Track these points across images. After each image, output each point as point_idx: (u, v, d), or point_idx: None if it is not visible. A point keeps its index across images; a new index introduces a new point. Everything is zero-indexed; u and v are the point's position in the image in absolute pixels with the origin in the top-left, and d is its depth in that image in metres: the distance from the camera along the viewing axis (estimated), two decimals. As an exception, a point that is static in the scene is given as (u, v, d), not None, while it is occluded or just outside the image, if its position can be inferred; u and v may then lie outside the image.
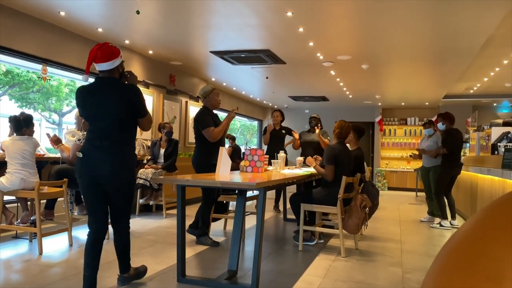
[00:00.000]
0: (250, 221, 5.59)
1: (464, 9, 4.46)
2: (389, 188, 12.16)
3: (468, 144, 8.77)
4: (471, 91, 9.98)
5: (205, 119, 4.37)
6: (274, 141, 6.49)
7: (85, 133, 4.44)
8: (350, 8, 4.62)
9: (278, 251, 4.27)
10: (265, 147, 6.41)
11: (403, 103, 11.95)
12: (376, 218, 6.29)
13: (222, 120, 4.54)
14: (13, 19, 4.81)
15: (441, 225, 5.84)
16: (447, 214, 6.00)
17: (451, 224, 5.88)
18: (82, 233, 4.85)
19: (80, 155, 2.68)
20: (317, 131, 6.06)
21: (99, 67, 2.70)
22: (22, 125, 4.10)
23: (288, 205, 5.39)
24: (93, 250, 2.69)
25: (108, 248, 3.55)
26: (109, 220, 2.84)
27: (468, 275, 0.34)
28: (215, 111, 4.64)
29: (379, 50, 6.22)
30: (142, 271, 3.10)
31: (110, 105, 2.65)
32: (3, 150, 4.14)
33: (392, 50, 6.21)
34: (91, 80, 2.80)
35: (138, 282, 3.06)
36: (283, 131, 6.65)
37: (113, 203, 2.78)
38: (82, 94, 2.71)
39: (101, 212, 2.74)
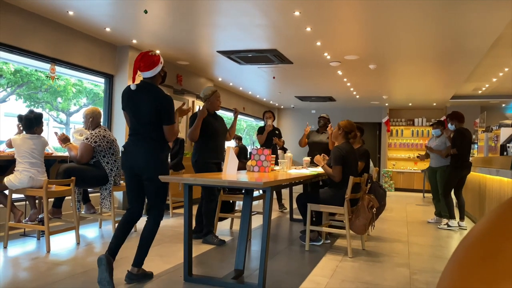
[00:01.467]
0: (257, 221, 5.59)
1: (473, 9, 4.43)
2: (396, 189, 12.10)
3: (476, 145, 8.71)
4: (480, 91, 9.90)
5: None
6: (270, 141, 6.53)
7: (92, 132, 4.48)
8: (358, 8, 4.60)
9: (285, 251, 4.26)
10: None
11: (410, 104, 11.89)
12: (383, 219, 6.26)
13: (228, 121, 4.59)
14: (22, 19, 4.85)
15: (448, 226, 5.79)
16: (455, 214, 5.97)
17: (459, 225, 5.83)
18: (89, 231, 4.87)
19: (123, 149, 3.11)
20: (329, 131, 5.93)
21: (143, 75, 3.08)
22: (34, 124, 4.13)
23: (295, 205, 5.38)
24: (123, 225, 3.04)
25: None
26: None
27: (486, 270, 0.33)
28: (217, 112, 4.69)
29: (387, 50, 6.20)
30: (149, 275, 3.14)
31: (143, 108, 3.01)
32: (10, 147, 4.17)
33: (399, 50, 6.17)
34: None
35: (146, 282, 3.07)
36: (276, 132, 6.82)
37: (149, 191, 3.09)
38: (125, 95, 3.11)
39: (136, 199, 3.11)
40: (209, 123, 4.42)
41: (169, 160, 6.23)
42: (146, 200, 3.15)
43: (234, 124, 4.71)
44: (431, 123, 6.96)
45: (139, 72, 3.05)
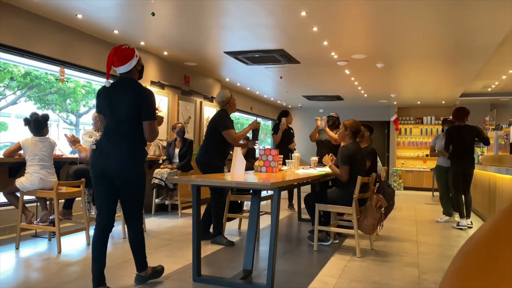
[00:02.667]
0: (265, 221, 5.60)
1: (481, 6, 4.39)
2: (405, 188, 12.03)
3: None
4: (489, 89, 9.81)
5: (227, 121, 4.51)
6: (286, 141, 6.52)
7: (101, 133, 4.52)
8: (365, 7, 4.59)
9: (293, 251, 4.27)
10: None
11: (419, 102, 11.81)
12: (392, 218, 6.23)
13: (236, 121, 4.60)
14: (31, 22, 4.91)
15: (458, 225, 5.76)
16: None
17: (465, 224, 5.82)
18: (99, 232, 4.91)
19: (94, 147, 2.83)
20: (318, 123, 5.91)
21: (118, 70, 2.85)
22: (43, 125, 4.18)
23: (303, 205, 5.38)
24: (98, 243, 2.77)
25: (125, 247, 3.59)
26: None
27: (487, 276, 0.34)
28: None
29: (394, 48, 6.17)
30: (159, 270, 3.14)
31: (121, 103, 2.77)
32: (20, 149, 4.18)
33: (407, 48, 6.14)
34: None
35: (155, 281, 3.09)
36: (291, 131, 6.83)
37: (123, 198, 2.85)
38: (101, 94, 2.86)
39: (107, 205, 2.82)
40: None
41: (177, 160, 6.28)
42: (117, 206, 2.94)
43: (247, 130, 4.68)
44: (445, 119, 6.90)
45: (113, 68, 2.84)
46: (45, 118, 4.24)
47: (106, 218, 2.81)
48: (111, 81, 2.84)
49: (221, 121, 4.48)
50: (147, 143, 2.97)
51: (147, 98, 2.81)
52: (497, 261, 0.33)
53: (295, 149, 6.69)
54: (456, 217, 6.22)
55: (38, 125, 4.15)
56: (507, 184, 5.16)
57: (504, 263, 0.33)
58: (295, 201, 6.84)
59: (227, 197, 4.66)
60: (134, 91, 2.80)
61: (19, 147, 4.11)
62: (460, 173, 5.85)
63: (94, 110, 4.77)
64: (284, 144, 6.50)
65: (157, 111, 3.08)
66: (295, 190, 6.67)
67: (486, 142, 6.02)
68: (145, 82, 6.64)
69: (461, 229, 5.67)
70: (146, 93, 2.84)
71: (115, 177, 2.76)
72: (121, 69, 2.83)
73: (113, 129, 2.79)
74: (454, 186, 5.88)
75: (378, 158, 6.16)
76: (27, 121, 4.19)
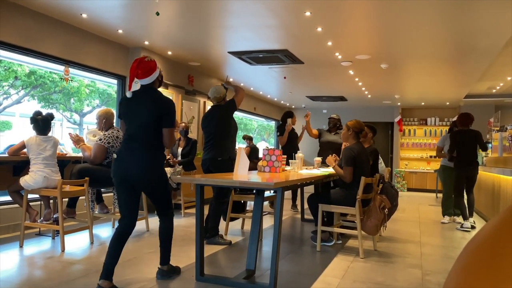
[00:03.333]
0: (268, 221, 5.60)
1: (486, 7, 4.37)
2: (409, 189, 12.00)
3: (490, 145, 8.58)
4: (494, 90, 9.76)
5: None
6: (291, 141, 6.54)
7: (105, 133, 4.53)
8: (369, 7, 4.58)
9: (296, 251, 4.26)
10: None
11: (423, 103, 11.77)
12: (396, 219, 6.22)
13: (239, 121, 4.62)
14: (36, 21, 4.93)
15: (462, 227, 5.74)
16: (458, 212, 6.17)
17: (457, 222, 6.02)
18: (103, 231, 4.93)
19: (115, 156, 2.97)
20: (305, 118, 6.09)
21: (141, 82, 2.97)
22: (50, 124, 4.21)
23: (306, 206, 5.37)
24: (116, 242, 2.89)
25: (129, 246, 3.61)
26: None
27: (491, 275, 0.34)
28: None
29: (399, 49, 6.15)
30: (177, 270, 3.28)
31: (143, 110, 2.91)
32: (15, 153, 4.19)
33: (411, 49, 6.13)
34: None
35: (159, 281, 3.10)
36: (294, 131, 6.91)
37: (151, 198, 3.09)
38: (123, 102, 3.04)
39: (129, 209, 2.95)
40: (233, 121, 4.53)
41: (180, 158, 6.29)
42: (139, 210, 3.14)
43: (234, 87, 4.85)
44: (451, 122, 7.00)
45: (135, 79, 2.97)
46: (52, 117, 4.26)
47: (129, 222, 2.94)
48: (132, 92, 2.97)
49: (232, 110, 4.53)
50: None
51: (169, 107, 2.97)
52: (502, 259, 0.33)
53: (298, 149, 6.70)
54: (458, 219, 6.21)
55: (45, 123, 4.18)
56: (511, 185, 5.14)
57: (508, 261, 0.33)
58: (298, 202, 6.83)
59: (229, 197, 4.66)
60: (157, 100, 2.95)
61: (23, 146, 4.13)
62: (463, 177, 5.87)
63: (98, 109, 4.79)
64: (288, 145, 6.52)
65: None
66: (298, 191, 6.67)
67: (484, 148, 6.07)
68: (132, 88, 6.65)
69: (465, 231, 5.66)
70: (168, 102, 2.99)
71: (136, 183, 2.90)
72: (145, 81, 2.96)
73: (132, 136, 2.92)
74: (456, 189, 5.92)
75: (381, 159, 6.16)
76: (34, 120, 4.19)
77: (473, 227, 5.74)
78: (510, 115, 10.73)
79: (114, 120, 4.82)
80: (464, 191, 5.96)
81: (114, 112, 4.88)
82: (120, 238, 2.90)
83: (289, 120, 6.60)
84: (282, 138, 6.58)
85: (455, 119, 6.76)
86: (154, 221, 5.51)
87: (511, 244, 0.34)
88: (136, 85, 2.96)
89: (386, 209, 4.13)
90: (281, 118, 6.97)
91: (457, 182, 5.91)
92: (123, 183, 2.89)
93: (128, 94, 2.96)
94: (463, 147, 5.85)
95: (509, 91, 9.74)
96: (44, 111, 4.32)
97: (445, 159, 6.30)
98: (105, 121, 4.66)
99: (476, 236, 0.39)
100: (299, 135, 7.07)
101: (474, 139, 5.84)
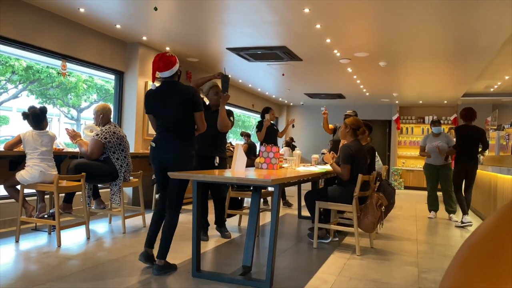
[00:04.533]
0: (264, 218, 5.61)
1: (484, 6, 4.37)
2: (406, 187, 12.03)
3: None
4: (492, 89, 9.78)
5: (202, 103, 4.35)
6: (271, 137, 6.42)
7: (102, 128, 4.52)
8: (368, 5, 4.57)
9: (293, 248, 4.27)
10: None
11: (421, 101, 11.79)
12: (392, 217, 6.23)
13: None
14: (33, 16, 4.90)
15: (462, 223, 5.78)
16: (453, 209, 6.31)
17: (449, 218, 6.14)
18: (99, 226, 4.92)
19: (153, 144, 3.27)
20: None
21: (162, 75, 3.25)
22: (42, 119, 4.16)
23: (303, 203, 5.38)
24: (156, 217, 3.36)
25: (125, 242, 3.59)
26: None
27: (490, 270, 0.33)
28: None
29: (397, 47, 6.15)
30: (173, 266, 3.28)
31: (172, 104, 3.19)
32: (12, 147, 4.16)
33: (410, 47, 6.12)
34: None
35: (154, 276, 3.10)
36: (274, 127, 6.72)
37: (169, 185, 3.24)
38: (151, 95, 3.28)
39: (165, 194, 3.33)
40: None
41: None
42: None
43: (221, 111, 4.33)
44: (431, 121, 7.04)
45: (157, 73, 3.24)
46: (43, 111, 4.21)
47: (163, 204, 3.33)
48: (156, 85, 3.26)
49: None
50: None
51: (194, 93, 3.24)
52: (500, 256, 0.33)
53: (295, 146, 6.66)
54: (455, 217, 6.25)
55: (36, 118, 4.14)
56: (508, 184, 5.16)
57: (507, 258, 0.32)
58: (296, 199, 6.82)
59: (227, 193, 4.66)
60: (182, 91, 3.22)
61: (19, 140, 4.10)
62: (463, 171, 5.94)
63: (95, 105, 4.77)
64: (268, 141, 6.39)
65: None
66: (295, 188, 6.65)
67: (486, 146, 6.15)
68: (147, 77, 6.64)
69: (464, 226, 5.70)
70: (191, 89, 3.27)
71: (170, 169, 3.15)
72: (166, 74, 3.23)
73: (167, 127, 3.22)
74: (455, 184, 5.99)
75: (378, 157, 6.15)
76: (25, 115, 4.16)
77: (469, 225, 5.77)
78: (508, 114, 10.76)
79: (112, 116, 4.80)
80: (463, 189, 6.00)
81: (112, 107, 4.86)
82: (159, 214, 3.33)
83: (266, 116, 6.43)
84: (259, 134, 6.41)
85: (452, 118, 6.79)
86: (151, 217, 5.50)
87: (509, 241, 0.34)
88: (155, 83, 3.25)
89: (383, 207, 4.13)
90: (260, 114, 6.77)
91: (456, 177, 5.98)
92: (159, 169, 3.27)
93: (153, 87, 3.26)
94: (467, 142, 5.93)
95: (507, 90, 9.76)
96: (39, 106, 4.27)
97: (430, 157, 6.40)
98: (102, 116, 4.63)
99: (474, 233, 0.38)
100: (281, 130, 7.08)
101: (478, 136, 5.90)
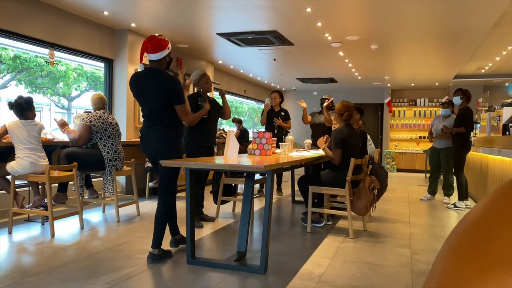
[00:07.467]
0: (258, 204, 5.62)
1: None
2: (398, 170, 12.12)
3: (478, 125, 8.67)
4: (483, 70, 9.81)
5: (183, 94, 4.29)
6: (272, 123, 6.32)
7: (89, 113, 4.52)
8: (359, -13, 4.52)
9: (287, 233, 4.29)
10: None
11: (412, 84, 11.81)
12: (385, 200, 6.29)
13: (220, 104, 4.63)
14: (20, 4, 4.79)
15: (455, 206, 5.83)
16: (449, 193, 6.31)
17: (465, 205, 5.87)
18: (92, 216, 4.91)
19: (139, 134, 3.30)
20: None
21: (149, 57, 3.15)
22: (25, 109, 4.08)
23: (296, 188, 5.40)
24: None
25: (119, 231, 3.59)
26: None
27: (480, 257, 0.33)
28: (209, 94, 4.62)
29: (388, 30, 6.12)
30: (168, 253, 3.30)
31: (151, 92, 3.12)
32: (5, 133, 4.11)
33: (401, 29, 6.09)
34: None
35: (149, 264, 3.11)
36: (282, 113, 6.49)
37: (159, 175, 3.24)
38: (133, 84, 3.22)
39: None
40: (201, 107, 4.32)
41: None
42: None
43: (225, 104, 4.56)
44: (441, 102, 7.01)
45: (145, 54, 3.13)
46: (28, 101, 4.13)
47: None
48: (144, 66, 3.16)
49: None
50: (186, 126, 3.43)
51: (173, 85, 3.12)
52: (491, 243, 0.32)
53: (288, 131, 6.55)
54: (447, 199, 6.29)
55: (20, 108, 4.06)
56: (499, 165, 5.21)
57: (497, 244, 0.32)
58: (288, 184, 6.81)
59: (220, 180, 4.66)
60: (161, 81, 3.12)
61: (6, 131, 4.05)
62: (467, 154, 6.00)
63: (93, 93, 4.70)
64: (270, 126, 6.32)
65: (186, 82, 3.72)
66: (289, 173, 6.63)
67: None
68: (137, 65, 6.56)
69: (457, 209, 5.74)
70: (172, 81, 3.15)
71: (157, 158, 3.15)
72: (153, 57, 3.13)
73: (147, 116, 3.18)
74: (460, 166, 5.88)
75: (371, 141, 6.16)
76: (10, 105, 4.11)
77: (467, 207, 5.80)
78: (499, 95, 10.82)
79: (104, 104, 4.71)
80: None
81: (104, 96, 4.79)
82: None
83: (266, 100, 6.30)
84: (261, 119, 6.37)
85: (443, 100, 6.78)
86: (144, 205, 5.50)
87: (500, 227, 0.33)
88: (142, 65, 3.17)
89: (376, 190, 4.16)
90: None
91: (463, 160, 5.91)
92: (151, 158, 3.30)
93: (140, 67, 3.17)
94: (472, 125, 6.02)
95: (498, 71, 9.79)
96: (25, 97, 4.20)
97: (442, 140, 6.31)
98: (93, 106, 4.63)
99: (465, 218, 0.38)
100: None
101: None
